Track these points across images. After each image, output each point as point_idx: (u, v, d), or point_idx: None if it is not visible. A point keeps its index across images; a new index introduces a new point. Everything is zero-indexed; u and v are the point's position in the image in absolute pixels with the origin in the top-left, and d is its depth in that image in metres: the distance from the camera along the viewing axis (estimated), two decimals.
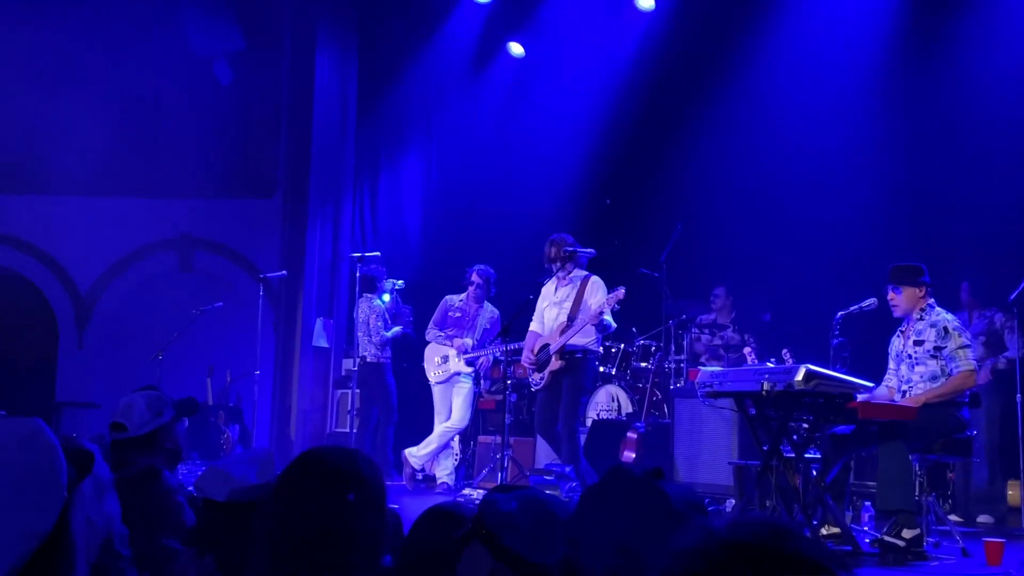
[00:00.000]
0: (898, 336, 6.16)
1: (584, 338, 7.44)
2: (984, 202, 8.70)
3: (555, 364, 7.39)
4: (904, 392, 6.01)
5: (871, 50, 9.47)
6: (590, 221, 10.70)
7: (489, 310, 9.00)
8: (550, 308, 7.61)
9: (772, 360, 7.54)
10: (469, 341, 8.90)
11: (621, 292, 7.30)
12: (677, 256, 8.95)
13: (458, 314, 9.00)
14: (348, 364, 10.74)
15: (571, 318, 7.45)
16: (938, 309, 6.01)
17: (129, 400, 3.39)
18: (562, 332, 7.42)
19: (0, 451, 1.28)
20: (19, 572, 1.22)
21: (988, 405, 7.56)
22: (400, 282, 9.85)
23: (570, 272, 7.56)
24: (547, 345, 7.52)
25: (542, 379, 7.50)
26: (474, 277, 8.84)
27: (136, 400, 3.37)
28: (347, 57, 11.92)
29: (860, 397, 5.61)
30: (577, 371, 7.43)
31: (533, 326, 7.73)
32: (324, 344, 11.25)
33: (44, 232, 11.74)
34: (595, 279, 7.56)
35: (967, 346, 5.87)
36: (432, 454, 8.87)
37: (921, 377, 5.92)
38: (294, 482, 1.92)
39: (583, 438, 8.15)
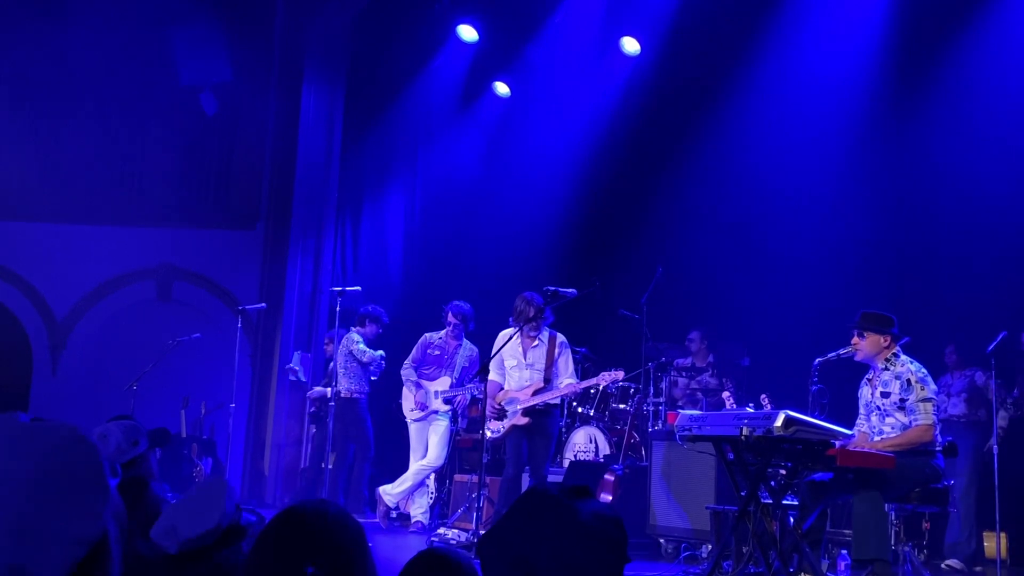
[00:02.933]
0: (866, 384, 6.17)
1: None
2: (965, 255, 8.74)
3: (521, 420, 7.48)
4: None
5: (855, 97, 9.55)
6: (572, 261, 10.73)
7: (468, 348, 8.96)
8: (520, 369, 7.66)
9: (751, 405, 7.54)
10: (447, 381, 8.85)
11: (620, 374, 7.70)
12: (658, 299, 8.97)
13: (437, 351, 8.95)
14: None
15: (547, 379, 7.59)
16: (903, 359, 5.99)
17: (104, 430, 3.34)
18: (536, 392, 7.52)
19: (43, 457, 1.26)
20: None
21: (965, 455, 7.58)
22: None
23: (540, 332, 7.65)
24: (513, 398, 7.59)
25: (499, 431, 7.59)
26: (450, 317, 8.80)
27: (112, 429, 3.33)
28: (334, 91, 11.94)
29: (838, 444, 5.60)
30: (546, 424, 7.57)
31: (493, 376, 7.57)
32: (301, 378, 11.16)
33: (22, 258, 11.64)
34: (561, 338, 7.73)
35: (929, 399, 5.84)
36: (407, 492, 8.79)
37: (892, 428, 5.92)
38: (269, 544, 1.84)
39: (559, 478, 8.12)
